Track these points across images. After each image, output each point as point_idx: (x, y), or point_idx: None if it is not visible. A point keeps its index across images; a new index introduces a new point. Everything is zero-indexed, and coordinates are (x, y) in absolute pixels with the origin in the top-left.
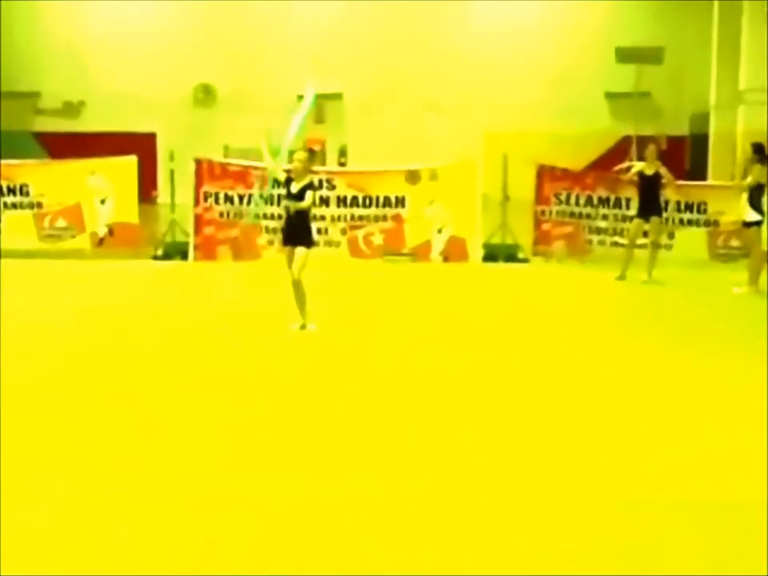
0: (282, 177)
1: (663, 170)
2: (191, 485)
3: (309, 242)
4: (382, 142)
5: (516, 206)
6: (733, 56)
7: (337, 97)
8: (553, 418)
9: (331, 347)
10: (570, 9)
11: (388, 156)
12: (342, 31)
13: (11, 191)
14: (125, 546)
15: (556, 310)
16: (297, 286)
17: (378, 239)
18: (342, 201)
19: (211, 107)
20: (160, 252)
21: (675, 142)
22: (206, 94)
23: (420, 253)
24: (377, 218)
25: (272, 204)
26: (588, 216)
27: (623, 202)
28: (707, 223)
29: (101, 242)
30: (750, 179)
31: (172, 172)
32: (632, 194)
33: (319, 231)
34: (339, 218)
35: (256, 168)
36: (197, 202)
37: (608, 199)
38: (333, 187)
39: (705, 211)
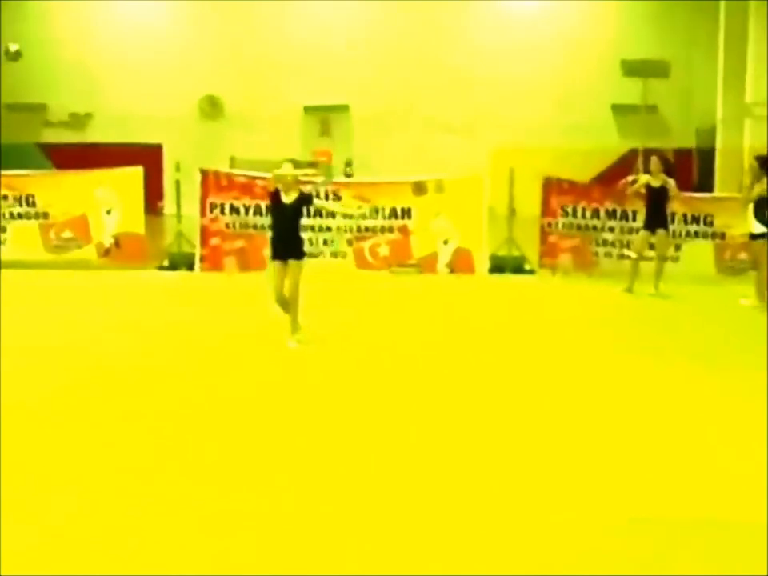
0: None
1: (671, 183)
2: (193, 493)
3: (301, 254)
4: (389, 156)
5: (522, 220)
6: (739, 70)
7: (344, 109)
8: (557, 432)
9: (336, 359)
10: (577, 23)
11: (394, 169)
12: (350, 45)
13: (18, 202)
14: (126, 553)
15: (562, 322)
16: (293, 301)
17: (384, 250)
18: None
19: (217, 119)
20: (166, 263)
21: (682, 156)
22: (212, 106)
23: (426, 264)
24: (383, 230)
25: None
26: (594, 228)
27: (630, 215)
28: (714, 236)
29: (107, 252)
30: (754, 193)
31: (178, 183)
32: (638, 206)
33: (325, 242)
34: (345, 229)
35: (261, 179)
36: (203, 213)
37: (614, 212)
38: (339, 198)
39: (711, 224)
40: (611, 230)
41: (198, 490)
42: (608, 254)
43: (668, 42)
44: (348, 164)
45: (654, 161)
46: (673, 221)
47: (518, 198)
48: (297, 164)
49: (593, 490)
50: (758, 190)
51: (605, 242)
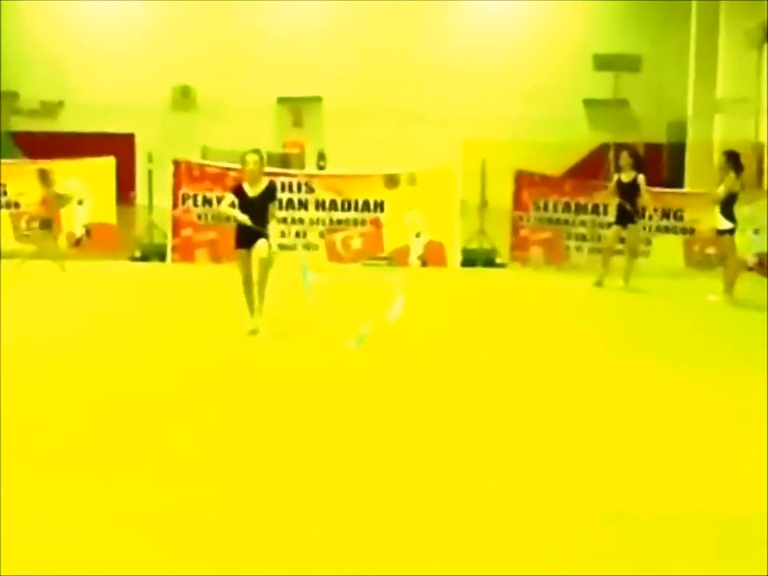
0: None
1: (640, 178)
2: (185, 490)
3: (266, 236)
4: (362, 148)
5: (494, 213)
6: (710, 65)
7: (316, 100)
8: (538, 429)
9: (303, 351)
10: (548, 17)
11: (367, 162)
12: (323, 36)
13: None
14: (119, 549)
15: (532, 316)
16: (260, 288)
17: (356, 243)
18: (320, 204)
19: (190, 109)
20: (138, 253)
21: (653, 150)
22: (184, 96)
23: (398, 257)
24: (355, 222)
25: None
26: (566, 222)
27: (601, 209)
28: (684, 230)
29: (78, 242)
30: (721, 189)
31: (150, 173)
32: (609, 200)
33: (297, 234)
34: (317, 221)
35: (233, 170)
36: (175, 204)
37: (586, 206)
38: (311, 190)
39: (681, 218)
40: (583, 223)
41: (183, 486)
42: (579, 248)
43: (640, 36)
44: (321, 156)
45: (625, 156)
46: (643, 216)
47: (490, 191)
48: (261, 155)
49: (579, 486)
50: (726, 186)
51: (576, 236)
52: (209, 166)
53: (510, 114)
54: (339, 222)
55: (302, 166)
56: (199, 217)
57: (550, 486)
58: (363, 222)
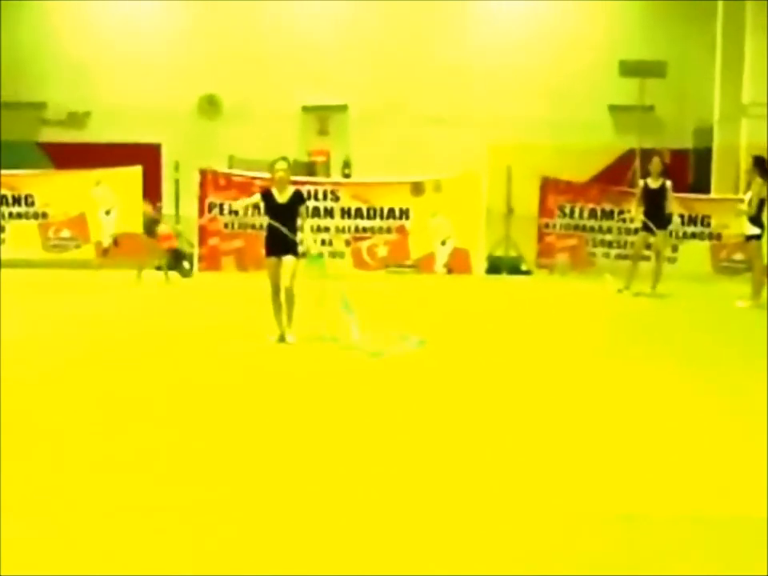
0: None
1: (668, 184)
2: (190, 491)
3: (296, 252)
4: (387, 155)
5: (519, 218)
6: (736, 70)
7: (342, 109)
8: (553, 430)
9: (332, 357)
10: (574, 23)
11: (392, 168)
12: (347, 44)
13: (16, 201)
14: (123, 550)
15: (559, 322)
16: (289, 295)
17: (381, 251)
18: (346, 212)
19: (216, 118)
20: (162, 262)
21: (678, 156)
22: (211, 105)
23: (423, 265)
24: (381, 230)
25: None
26: (592, 229)
27: (627, 215)
28: (710, 236)
29: (105, 252)
30: (744, 204)
31: (177, 182)
32: (631, 207)
33: (323, 242)
34: (343, 229)
35: (260, 179)
36: (201, 213)
37: (612, 212)
38: (337, 198)
39: (708, 224)
40: (609, 230)
41: (195, 488)
42: (605, 254)
43: (665, 41)
44: (346, 164)
45: (656, 161)
46: (670, 221)
47: (515, 197)
48: (290, 162)
49: (589, 488)
50: (753, 191)
51: (602, 242)
52: (235, 175)
53: (535, 119)
54: (365, 229)
55: (327, 174)
56: (226, 225)
57: (561, 486)
58: (389, 230)
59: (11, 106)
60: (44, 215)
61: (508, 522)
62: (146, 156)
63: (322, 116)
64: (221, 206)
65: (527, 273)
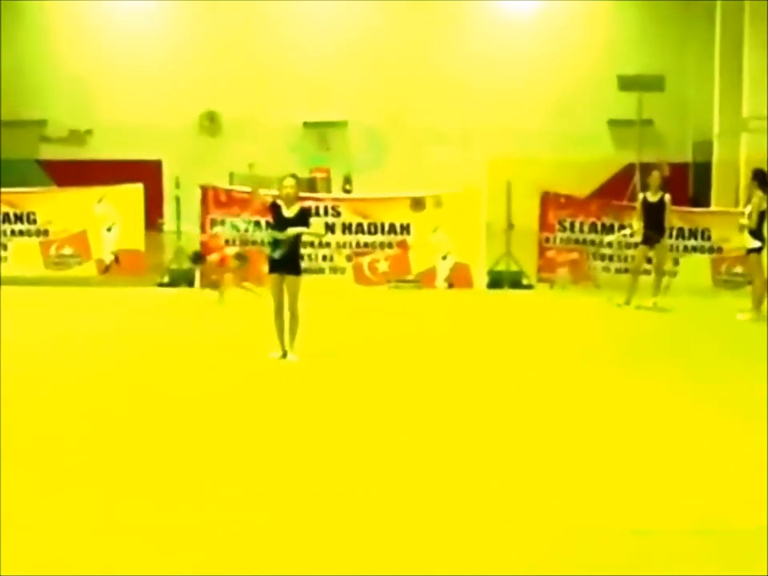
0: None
1: (667, 198)
2: (191, 500)
3: (298, 270)
4: (387, 170)
5: (520, 233)
6: (735, 83)
7: (342, 125)
8: (557, 444)
9: (333, 373)
10: (572, 38)
11: (393, 184)
12: (347, 60)
13: (18, 219)
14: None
15: (561, 336)
16: (292, 314)
17: (383, 266)
18: (347, 228)
19: (217, 134)
20: (166, 279)
21: (678, 170)
22: (211, 122)
23: (425, 279)
24: (382, 245)
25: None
26: (592, 243)
27: (627, 230)
28: (711, 250)
29: (107, 269)
30: (744, 218)
31: (178, 199)
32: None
33: (324, 258)
34: (344, 244)
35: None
36: (203, 229)
37: (612, 226)
38: (338, 214)
39: (708, 238)
40: (609, 244)
41: (195, 497)
42: (606, 269)
43: (664, 56)
44: (347, 180)
45: (654, 175)
46: (670, 235)
47: (516, 211)
48: (299, 180)
49: (596, 502)
50: (753, 205)
51: (603, 257)
52: (236, 191)
53: (534, 133)
54: (366, 245)
55: (328, 190)
56: (227, 242)
57: (569, 501)
58: (390, 245)
59: (12, 124)
60: (45, 232)
61: (517, 537)
62: (147, 173)
63: (323, 132)
64: (222, 221)
65: (528, 287)
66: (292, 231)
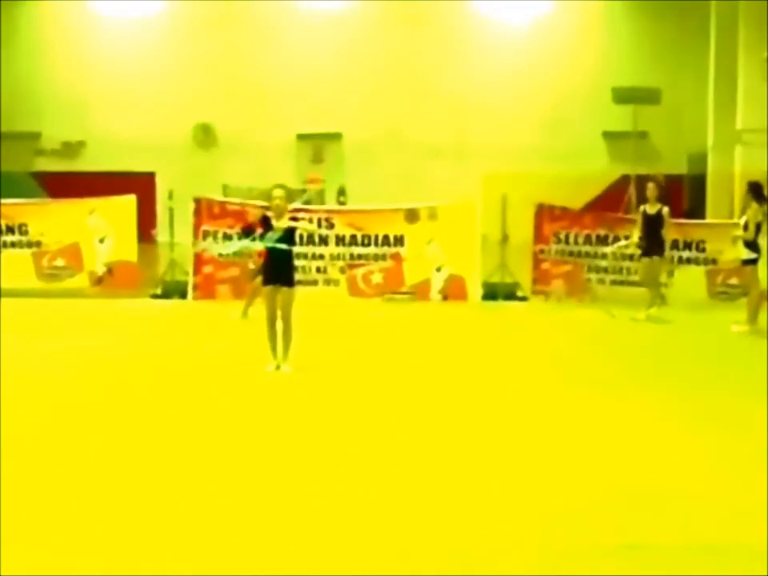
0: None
1: (665, 210)
2: (188, 509)
3: (292, 282)
4: (381, 183)
5: (515, 247)
6: (730, 96)
7: (336, 137)
8: (549, 458)
9: (326, 386)
10: (567, 50)
11: (387, 197)
12: (342, 72)
13: (10, 230)
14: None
15: (555, 348)
16: (286, 326)
17: (377, 278)
18: (340, 240)
19: (210, 147)
20: (159, 291)
21: (673, 182)
22: (205, 134)
23: (419, 291)
24: (376, 257)
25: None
26: (587, 255)
27: (622, 241)
28: (706, 261)
29: (99, 281)
30: (739, 229)
31: (171, 211)
32: (630, 232)
33: (318, 270)
34: (338, 256)
35: (255, 207)
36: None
37: (606, 238)
38: (332, 226)
39: (704, 250)
40: (604, 256)
41: (190, 506)
42: (601, 281)
43: (658, 68)
44: (341, 192)
45: (651, 187)
46: (666, 248)
47: (510, 224)
48: (287, 190)
49: (588, 516)
50: (749, 217)
51: (597, 269)
52: (229, 203)
53: (529, 146)
54: (360, 257)
55: (322, 202)
56: (220, 254)
57: (565, 516)
58: (384, 257)
59: (6, 136)
60: (38, 244)
61: (511, 552)
62: (141, 185)
63: (317, 144)
64: (215, 233)
65: (523, 299)
66: (282, 224)
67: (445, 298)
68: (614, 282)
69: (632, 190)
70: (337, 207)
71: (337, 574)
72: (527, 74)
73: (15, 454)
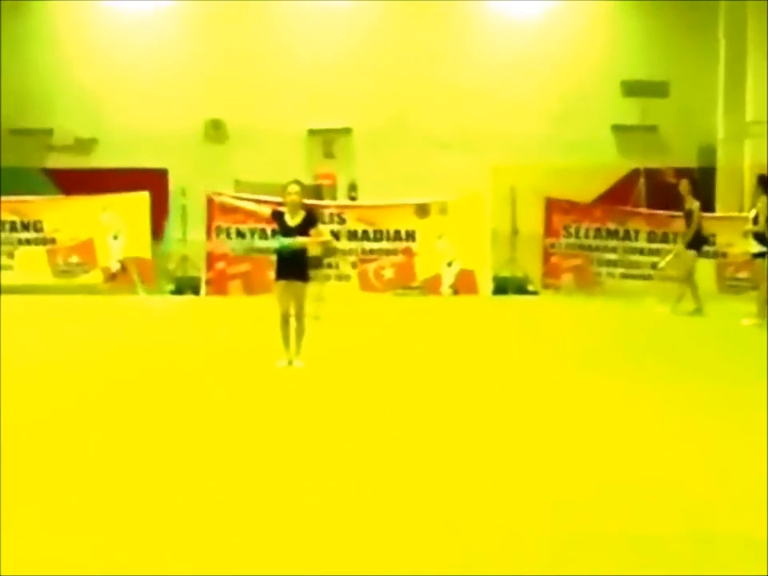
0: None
1: (695, 205)
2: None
3: (305, 277)
4: (392, 177)
5: (525, 239)
6: (739, 89)
7: (346, 132)
8: (557, 449)
9: (338, 380)
10: (575, 43)
11: (398, 191)
12: (351, 66)
13: (25, 227)
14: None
15: (566, 342)
16: (299, 321)
17: (388, 273)
18: (352, 235)
19: (222, 142)
20: (172, 287)
21: (682, 175)
22: (216, 130)
23: (430, 286)
24: (387, 252)
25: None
26: (597, 248)
27: (632, 234)
28: (716, 255)
29: (113, 277)
30: (749, 223)
31: (183, 207)
32: (640, 226)
33: (330, 265)
34: (349, 251)
35: (266, 203)
36: (209, 237)
37: (617, 231)
38: (343, 221)
39: (713, 243)
40: (614, 249)
41: (201, 503)
42: (611, 274)
43: (667, 61)
44: (352, 187)
45: (684, 183)
46: (675, 240)
47: (520, 217)
48: (302, 185)
49: (591, 508)
50: (758, 210)
51: (608, 262)
52: (241, 199)
53: (538, 139)
54: (371, 251)
55: (333, 197)
56: (233, 249)
57: (566, 506)
58: (395, 252)
59: (18, 133)
60: (52, 241)
61: (514, 544)
62: (153, 181)
63: (327, 139)
64: (227, 229)
65: (533, 293)
66: (299, 242)
67: (455, 292)
68: (623, 276)
69: (641, 183)
70: (348, 203)
71: (346, 573)
72: (536, 67)
73: (19, 455)
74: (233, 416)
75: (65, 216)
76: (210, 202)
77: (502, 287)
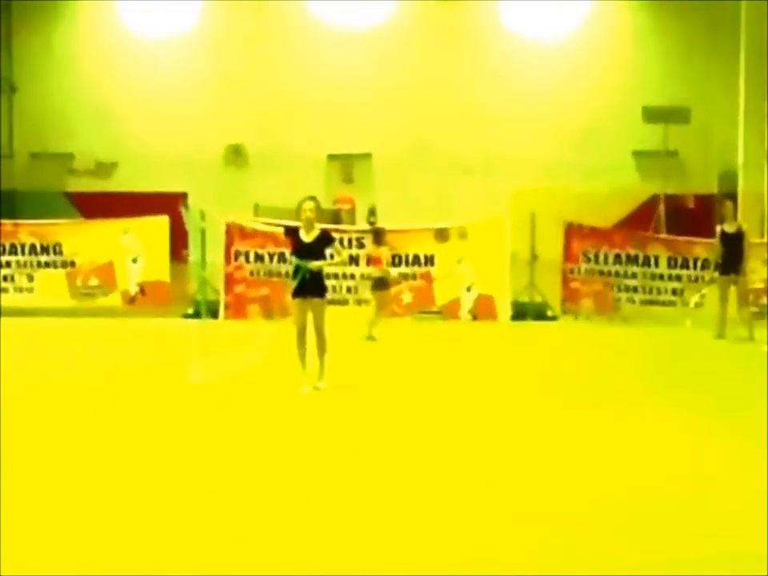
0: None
1: (745, 227)
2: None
3: (323, 293)
4: (411, 202)
5: (544, 264)
6: (760, 114)
7: (366, 157)
8: (577, 479)
9: (357, 405)
10: (597, 68)
11: (417, 215)
12: (370, 91)
13: (45, 250)
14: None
15: (585, 368)
16: (320, 339)
17: (407, 297)
18: (371, 259)
19: (242, 167)
20: (191, 310)
21: (703, 201)
22: (236, 155)
23: (449, 311)
24: (406, 277)
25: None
26: (617, 274)
27: (652, 260)
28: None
29: (132, 300)
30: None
31: (203, 231)
32: (660, 251)
33: (349, 290)
34: (369, 276)
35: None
36: (227, 261)
37: (636, 257)
38: (362, 246)
39: None
40: (634, 275)
41: (216, 521)
42: (630, 300)
43: (688, 87)
44: (371, 212)
45: (728, 206)
46: (695, 266)
47: (540, 242)
48: (317, 202)
49: (598, 501)
50: None
51: (627, 288)
52: (260, 224)
53: (558, 164)
54: None
55: (352, 222)
56: (252, 273)
57: (573, 498)
58: (414, 276)
59: (40, 157)
60: (72, 264)
61: (517, 547)
62: (173, 205)
63: (347, 164)
64: (246, 253)
65: (553, 318)
66: (315, 264)
67: (474, 317)
68: (643, 302)
69: (661, 209)
70: (367, 227)
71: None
72: (557, 92)
73: (32, 473)
74: (250, 441)
75: (85, 239)
76: (229, 226)
77: (521, 312)
